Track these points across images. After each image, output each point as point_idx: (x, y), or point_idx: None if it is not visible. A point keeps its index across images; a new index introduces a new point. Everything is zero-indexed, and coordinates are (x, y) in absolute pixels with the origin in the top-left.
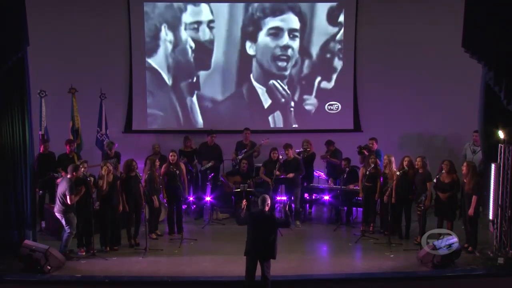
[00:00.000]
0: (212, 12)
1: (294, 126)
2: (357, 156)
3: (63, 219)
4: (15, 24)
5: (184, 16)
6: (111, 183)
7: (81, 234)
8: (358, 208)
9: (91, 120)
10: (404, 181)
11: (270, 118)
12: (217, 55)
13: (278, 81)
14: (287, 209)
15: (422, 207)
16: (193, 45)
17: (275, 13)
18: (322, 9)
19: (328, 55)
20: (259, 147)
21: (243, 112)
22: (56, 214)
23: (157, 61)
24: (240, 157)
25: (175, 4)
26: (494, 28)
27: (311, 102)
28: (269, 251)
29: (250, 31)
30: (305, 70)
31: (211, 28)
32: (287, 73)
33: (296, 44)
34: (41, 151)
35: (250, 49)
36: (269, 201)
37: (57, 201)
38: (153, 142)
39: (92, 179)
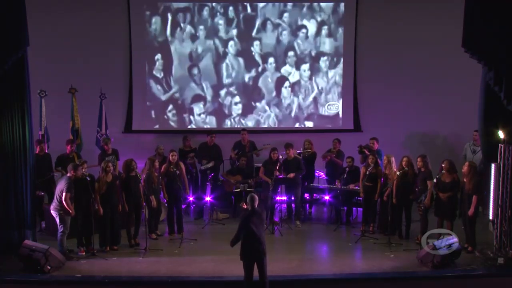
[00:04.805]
0: (212, 12)
1: (294, 126)
2: (358, 155)
3: (57, 216)
4: (15, 24)
5: (184, 16)
6: (110, 183)
7: (81, 234)
8: (358, 208)
9: (91, 120)
10: (404, 181)
11: (270, 118)
12: (219, 55)
13: (282, 79)
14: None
15: (423, 207)
16: (193, 45)
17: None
18: (322, 9)
19: (328, 55)
20: (259, 152)
21: (242, 112)
22: (52, 211)
23: (157, 61)
24: (239, 154)
25: (174, 4)
26: (494, 28)
27: (311, 102)
28: (264, 248)
29: (253, 36)
30: (305, 70)
31: (211, 28)
32: (287, 73)
33: (298, 45)
34: (36, 152)
35: (252, 53)
36: (257, 200)
37: (55, 199)
38: (152, 142)
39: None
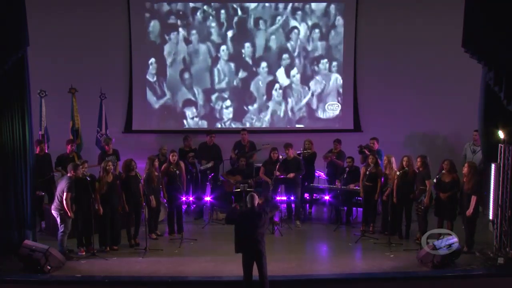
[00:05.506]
0: (212, 12)
1: (294, 126)
2: (358, 155)
3: (58, 216)
4: (15, 24)
5: (184, 16)
6: (110, 183)
7: (81, 234)
8: (358, 208)
9: (91, 120)
10: (405, 181)
11: (270, 118)
12: (216, 55)
13: (277, 81)
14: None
15: (422, 208)
16: (193, 44)
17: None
18: (322, 9)
19: (328, 55)
20: (256, 153)
21: (242, 112)
22: (53, 211)
23: (157, 61)
24: (238, 154)
25: (174, 4)
26: (494, 28)
27: (311, 102)
28: (263, 247)
29: (249, 35)
30: (305, 70)
31: (204, 32)
32: (281, 75)
33: (296, 46)
34: (37, 152)
35: (250, 52)
36: (257, 199)
37: (56, 199)
38: (152, 142)
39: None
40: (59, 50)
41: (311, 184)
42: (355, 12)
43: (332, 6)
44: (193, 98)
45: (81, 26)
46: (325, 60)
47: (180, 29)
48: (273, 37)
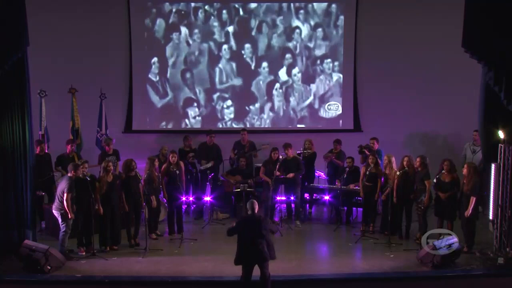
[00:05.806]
0: (214, 12)
1: (295, 126)
2: (358, 155)
3: (60, 216)
4: (15, 24)
5: (186, 15)
6: (110, 183)
7: (81, 234)
8: (358, 208)
9: (91, 120)
10: (405, 181)
11: (271, 118)
12: (218, 55)
13: (278, 81)
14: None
15: (422, 207)
16: (193, 44)
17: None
18: (323, 9)
19: (328, 55)
20: (257, 153)
21: (243, 112)
22: (54, 211)
23: (159, 61)
24: (237, 155)
25: (176, 4)
26: (494, 28)
27: (312, 102)
28: (265, 254)
29: (250, 35)
30: (305, 70)
31: (205, 32)
32: (287, 72)
33: (298, 46)
34: (37, 152)
35: (251, 52)
36: (256, 205)
37: (56, 199)
38: (152, 142)
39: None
40: (59, 50)
41: (311, 184)
42: (355, 12)
43: (333, 6)
44: (194, 98)
45: (81, 26)
46: (328, 60)
47: (182, 29)
48: (274, 36)
